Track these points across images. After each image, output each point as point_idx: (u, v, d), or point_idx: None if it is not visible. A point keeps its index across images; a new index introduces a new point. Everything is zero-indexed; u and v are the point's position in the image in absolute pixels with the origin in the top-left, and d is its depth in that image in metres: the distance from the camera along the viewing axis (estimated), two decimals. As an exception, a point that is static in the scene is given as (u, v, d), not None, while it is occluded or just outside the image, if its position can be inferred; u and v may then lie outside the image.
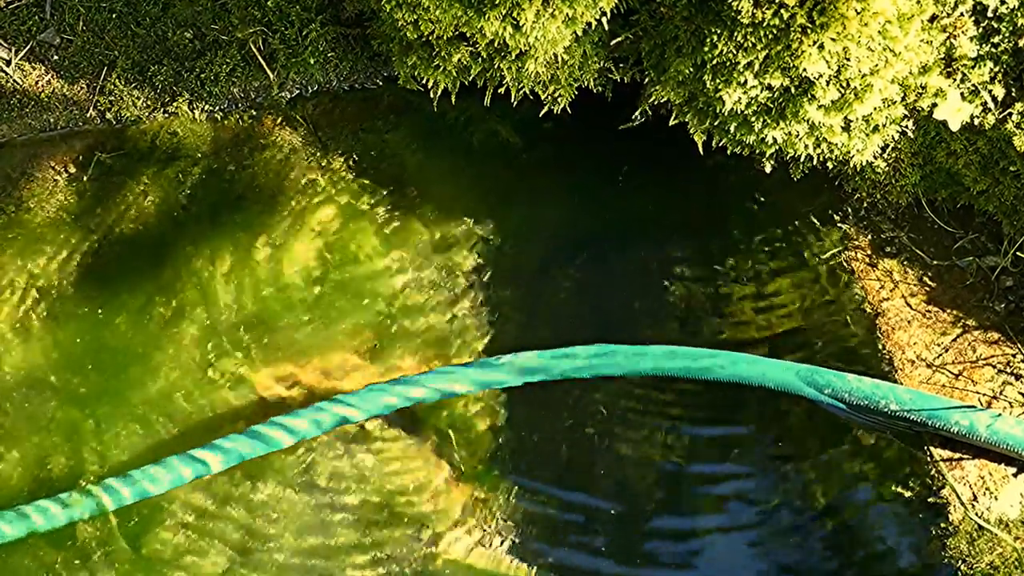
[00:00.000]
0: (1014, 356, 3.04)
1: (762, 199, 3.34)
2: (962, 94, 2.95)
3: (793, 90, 2.87)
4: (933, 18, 2.87)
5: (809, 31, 2.74)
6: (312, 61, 3.47)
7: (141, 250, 3.31)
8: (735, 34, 2.80)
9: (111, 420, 3.08)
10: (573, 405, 3.11)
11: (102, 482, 2.94)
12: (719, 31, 2.83)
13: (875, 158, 3.13)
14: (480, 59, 3.09)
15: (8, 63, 3.49)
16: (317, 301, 3.24)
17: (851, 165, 3.14)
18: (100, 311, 3.22)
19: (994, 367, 3.03)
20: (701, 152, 3.13)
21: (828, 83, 2.83)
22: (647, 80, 3.11)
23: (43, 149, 3.44)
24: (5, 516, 2.88)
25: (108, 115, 3.47)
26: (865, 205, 3.27)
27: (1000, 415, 2.88)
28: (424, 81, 3.23)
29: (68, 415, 3.09)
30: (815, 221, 3.27)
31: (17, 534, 2.88)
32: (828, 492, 2.97)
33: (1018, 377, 3.01)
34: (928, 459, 2.95)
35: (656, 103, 3.12)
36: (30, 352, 3.17)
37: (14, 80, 3.48)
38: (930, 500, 2.91)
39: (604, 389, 3.11)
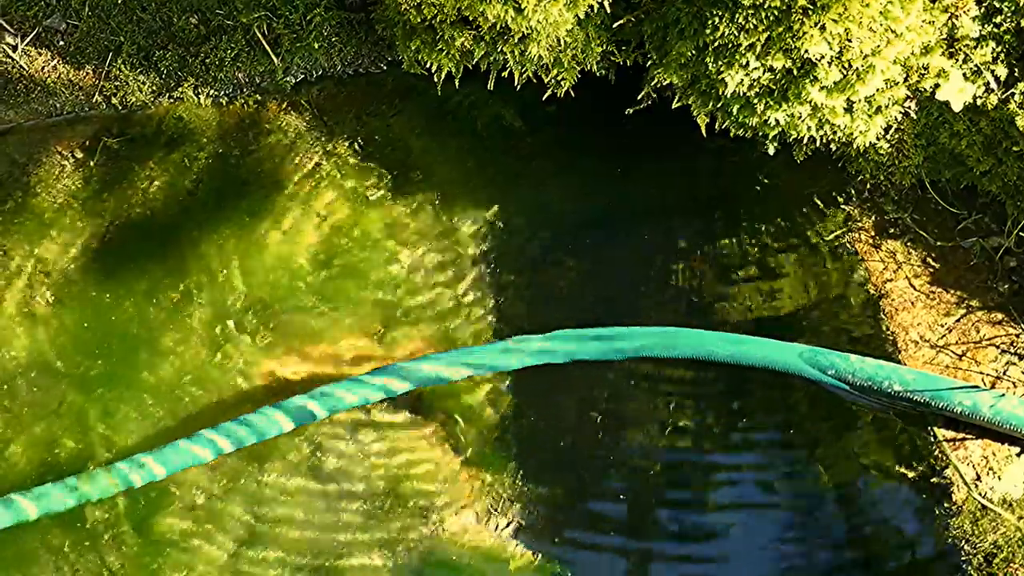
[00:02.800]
0: (1018, 336, 3.04)
1: (766, 181, 3.34)
2: (964, 74, 2.94)
3: (795, 71, 2.87)
4: (935, -2, 2.88)
5: (811, 12, 2.73)
6: (316, 46, 3.47)
7: (148, 235, 3.32)
8: (737, 16, 2.80)
9: (119, 404, 3.10)
10: (579, 389, 3.11)
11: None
12: (721, 13, 2.83)
13: (878, 139, 3.13)
14: (483, 42, 3.10)
15: (14, 49, 3.50)
16: (323, 285, 3.25)
17: (854, 147, 3.13)
18: (107, 296, 3.23)
19: (998, 347, 3.03)
20: (704, 135, 3.13)
21: (830, 64, 2.83)
22: (650, 63, 3.10)
23: (50, 134, 3.45)
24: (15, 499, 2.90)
25: (114, 100, 3.48)
26: (868, 186, 3.27)
27: (1003, 395, 2.89)
28: (428, 65, 3.23)
29: (76, 399, 3.10)
30: (819, 203, 3.27)
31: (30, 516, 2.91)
32: (832, 473, 2.98)
33: (1022, 357, 3.01)
34: (931, 439, 2.95)
35: (659, 86, 3.12)
36: (38, 337, 3.18)
37: (20, 66, 3.49)
38: (933, 480, 2.92)
39: (609, 373, 3.11)
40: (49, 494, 2.91)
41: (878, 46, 2.82)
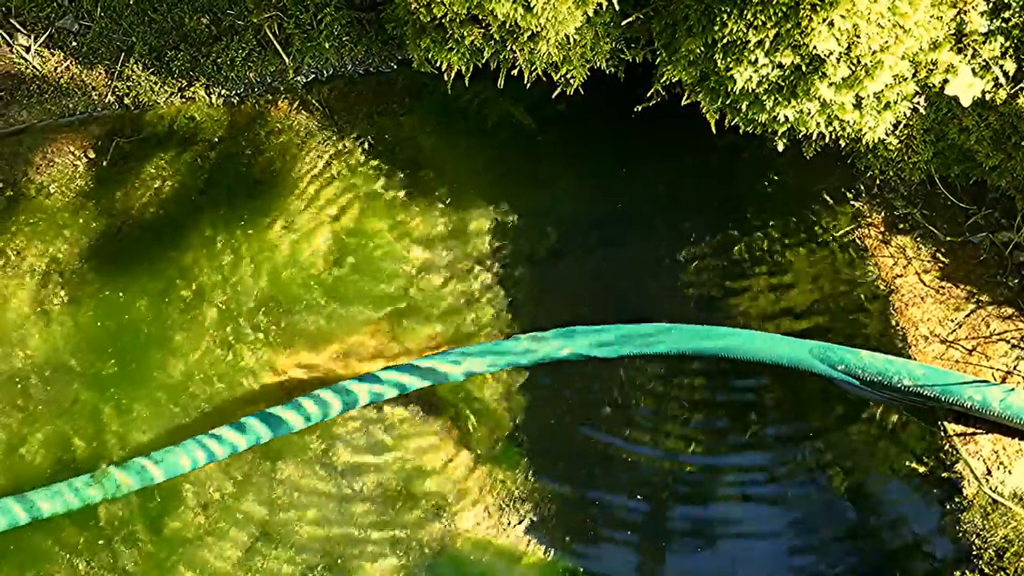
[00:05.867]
0: (1028, 331, 3.05)
1: (775, 178, 3.35)
2: (973, 70, 2.95)
3: (804, 68, 2.87)
4: (943, -7, 2.88)
5: (819, 8, 2.74)
6: (327, 45, 3.49)
7: (160, 234, 3.33)
8: (745, 12, 2.81)
9: (132, 402, 3.11)
10: (591, 387, 3.12)
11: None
12: (729, 10, 2.83)
13: (887, 135, 3.13)
14: (493, 41, 3.11)
15: (28, 50, 3.52)
16: (335, 284, 3.26)
17: (863, 143, 3.14)
18: (120, 295, 3.24)
19: (1008, 342, 3.03)
20: (714, 131, 3.14)
21: (838, 60, 2.83)
22: (659, 60, 3.11)
23: (62, 134, 3.46)
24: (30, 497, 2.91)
25: (126, 100, 3.49)
26: (878, 182, 3.27)
27: (1013, 389, 2.88)
28: (438, 64, 3.24)
29: (89, 398, 3.11)
30: (828, 199, 3.28)
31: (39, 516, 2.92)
32: (842, 468, 2.98)
33: (1032, 352, 3.02)
34: (942, 434, 2.95)
35: (668, 83, 3.12)
36: (51, 335, 3.19)
37: (33, 67, 3.50)
38: (944, 475, 2.92)
39: (621, 371, 3.12)
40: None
41: (886, 42, 2.82)
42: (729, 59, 2.90)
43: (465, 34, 3.09)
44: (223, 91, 3.50)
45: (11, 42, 3.53)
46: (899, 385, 2.92)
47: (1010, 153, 3.06)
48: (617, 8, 3.04)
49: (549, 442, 3.07)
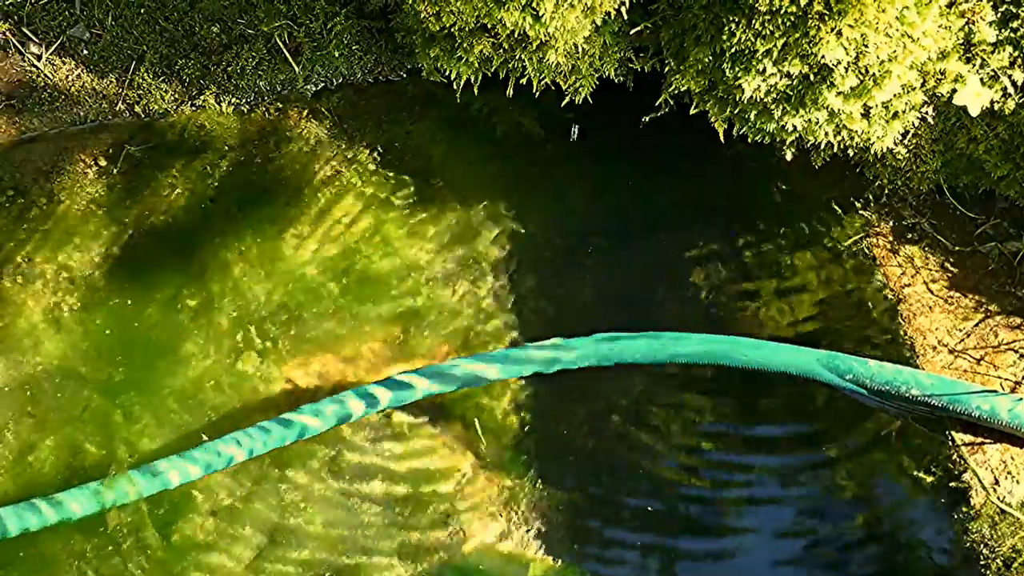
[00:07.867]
0: (1036, 341, 3.05)
1: (783, 187, 3.35)
2: (982, 79, 2.94)
3: (812, 77, 2.87)
4: (951, 3, 2.87)
5: (827, 18, 2.74)
6: (337, 54, 3.50)
7: (170, 242, 3.34)
8: (753, 22, 2.81)
9: (141, 410, 3.11)
10: (599, 395, 3.11)
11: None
12: (737, 19, 2.84)
13: (895, 145, 3.14)
14: (502, 50, 3.12)
15: (39, 58, 3.53)
16: (343, 292, 3.26)
17: (872, 152, 3.14)
18: (130, 302, 3.25)
19: (1016, 352, 3.03)
20: (722, 140, 3.14)
21: (847, 70, 2.83)
22: (667, 69, 3.11)
23: (73, 142, 3.47)
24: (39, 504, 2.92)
25: (137, 108, 3.50)
26: (886, 192, 3.27)
27: (1022, 399, 2.88)
28: (447, 73, 3.25)
29: (99, 405, 3.12)
30: (836, 208, 3.28)
31: (50, 521, 2.92)
32: (850, 477, 2.97)
33: (1040, 362, 3.02)
34: (950, 444, 2.95)
35: (677, 92, 3.13)
36: (61, 343, 3.20)
37: (44, 75, 3.52)
38: (951, 485, 2.91)
39: (630, 379, 3.12)
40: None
41: (895, 51, 2.82)
42: (737, 68, 2.90)
43: (474, 43, 3.10)
44: (233, 99, 3.51)
45: (23, 50, 3.55)
46: (907, 395, 2.92)
47: (1019, 163, 3.06)
48: (626, 17, 3.04)
49: (557, 449, 3.07)
